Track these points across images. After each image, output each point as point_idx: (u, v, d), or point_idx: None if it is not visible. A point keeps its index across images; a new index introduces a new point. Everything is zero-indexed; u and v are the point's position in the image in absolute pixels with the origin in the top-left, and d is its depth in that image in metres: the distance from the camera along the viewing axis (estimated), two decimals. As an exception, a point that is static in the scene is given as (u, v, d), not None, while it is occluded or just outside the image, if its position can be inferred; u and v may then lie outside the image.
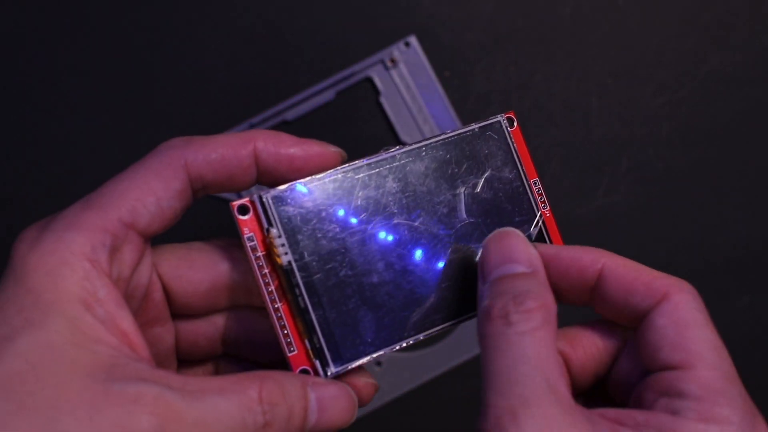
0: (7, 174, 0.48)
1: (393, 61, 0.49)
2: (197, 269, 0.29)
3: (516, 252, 0.28)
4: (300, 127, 0.49)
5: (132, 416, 0.22)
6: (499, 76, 0.50)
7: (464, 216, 0.30)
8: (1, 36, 0.48)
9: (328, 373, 0.28)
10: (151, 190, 0.26)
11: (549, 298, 0.27)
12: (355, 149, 0.31)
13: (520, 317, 0.25)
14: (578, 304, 0.29)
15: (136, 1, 0.49)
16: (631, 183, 0.51)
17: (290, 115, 0.49)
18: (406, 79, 0.49)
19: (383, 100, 0.49)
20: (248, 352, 0.31)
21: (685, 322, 0.26)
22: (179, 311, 0.29)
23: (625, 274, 0.28)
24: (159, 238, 0.28)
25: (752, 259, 0.52)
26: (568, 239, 0.32)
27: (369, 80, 0.50)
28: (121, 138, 0.49)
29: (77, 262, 0.24)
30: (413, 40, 0.49)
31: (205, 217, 0.42)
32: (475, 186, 0.30)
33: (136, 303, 0.28)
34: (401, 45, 0.49)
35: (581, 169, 0.51)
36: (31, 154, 0.48)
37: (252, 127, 0.48)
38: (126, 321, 0.24)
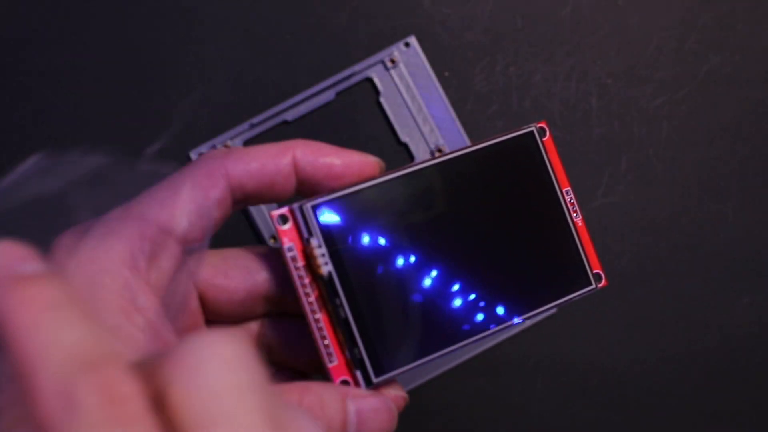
0: (7, 173, 0.48)
1: (393, 61, 0.49)
2: (233, 278, 0.28)
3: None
4: (300, 128, 0.49)
5: None
6: (499, 76, 0.50)
7: (496, 230, 0.30)
8: (1, 35, 0.48)
9: (369, 385, 0.28)
10: (191, 198, 0.26)
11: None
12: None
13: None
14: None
15: (135, 0, 0.49)
16: (631, 183, 0.51)
17: (290, 115, 0.49)
18: (406, 79, 0.49)
19: (383, 100, 0.49)
20: (283, 358, 0.31)
21: None
22: (213, 318, 0.29)
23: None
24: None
25: (752, 259, 0.52)
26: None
27: (369, 80, 0.49)
28: (121, 137, 0.48)
29: (117, 270, 0.24)
30: (413, 40, 0.49)
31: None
32: (508, 197, 0.30)
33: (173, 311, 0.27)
34: (401, 45, 0.49)
35: (581, 169, 0.51)
36: (30, 154, 0.48)
37: (252, 127, 0.48)
38: (165, 329, 0.24)
